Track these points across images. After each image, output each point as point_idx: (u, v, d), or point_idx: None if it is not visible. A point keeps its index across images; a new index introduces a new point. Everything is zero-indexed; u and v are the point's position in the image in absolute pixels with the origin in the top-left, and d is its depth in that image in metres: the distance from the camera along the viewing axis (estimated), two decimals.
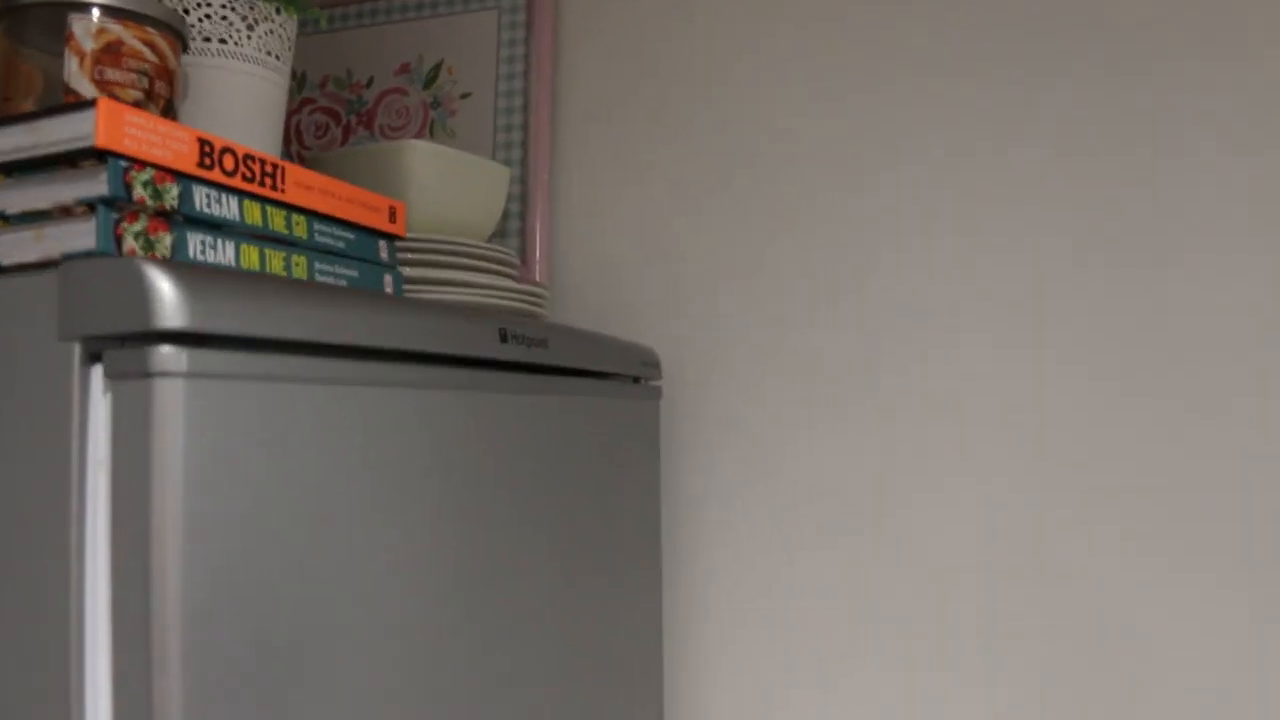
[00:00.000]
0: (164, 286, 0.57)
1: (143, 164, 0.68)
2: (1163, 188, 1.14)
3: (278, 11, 0.96)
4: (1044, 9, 1.18)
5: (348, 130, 1.42)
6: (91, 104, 0.65)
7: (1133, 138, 1.15)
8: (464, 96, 1.37)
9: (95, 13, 0.77)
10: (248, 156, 0.76)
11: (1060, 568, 1.15)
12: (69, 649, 0.57)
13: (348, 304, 0.71)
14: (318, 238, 0.83)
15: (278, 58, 0.97)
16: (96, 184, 0.65)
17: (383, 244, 0.91)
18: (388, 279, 0.91)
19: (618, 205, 1.34)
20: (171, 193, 0.70)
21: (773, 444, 1.26)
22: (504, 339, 0.87)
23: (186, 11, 0.92)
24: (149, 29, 0.80)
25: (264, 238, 0.77)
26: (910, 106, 1.23)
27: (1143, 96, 1.15)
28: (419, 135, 1.39)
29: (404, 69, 1.40)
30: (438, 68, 1.39)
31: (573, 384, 1.00)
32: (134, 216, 0.67)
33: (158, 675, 0.56)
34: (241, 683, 0.61)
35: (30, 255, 0.67)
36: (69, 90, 0.76)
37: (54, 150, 0.66)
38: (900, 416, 1.22)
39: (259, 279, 0.64)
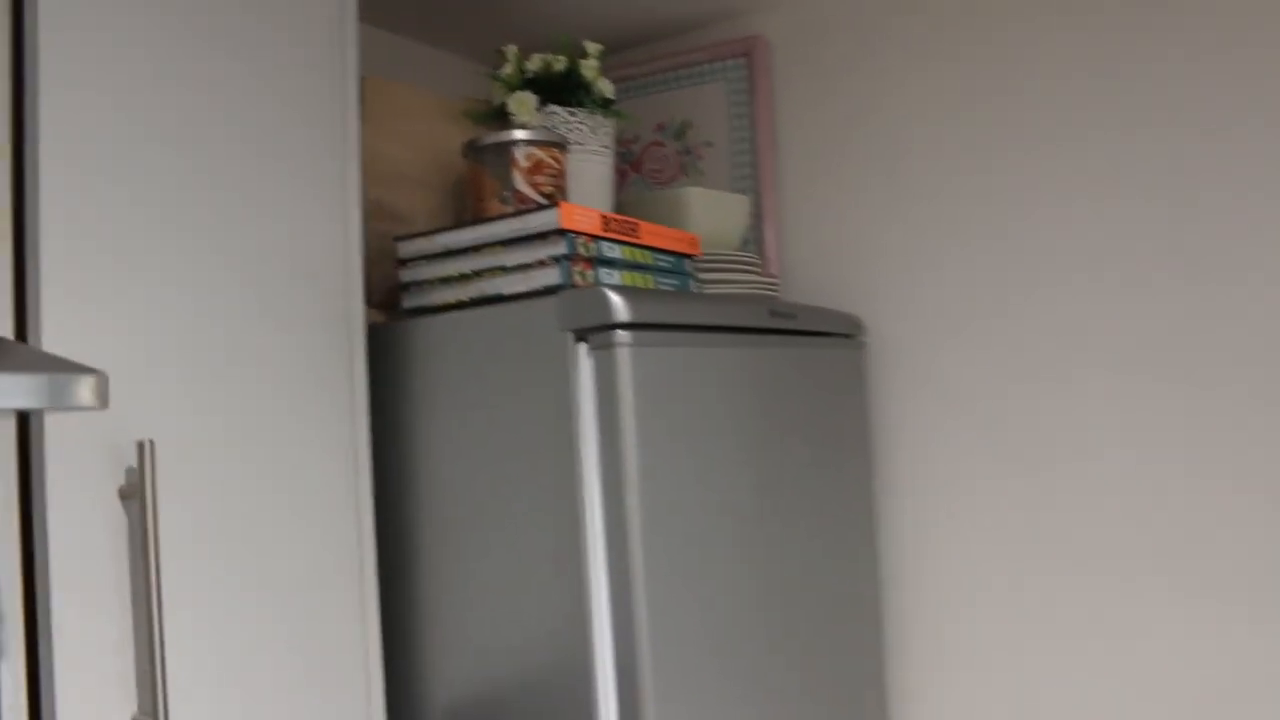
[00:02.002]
0: (616, 299, 1.13)
1: (579, 234, 1.23)
2: None
3: (605, 118, 1.51)
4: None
5: (624, 175, 1.97)
6: (556, 204, 1.21)
7: None
8: (707, 144, 1.90)
9: (525, 146, 1.34)
10: (621, 221, 1.31)
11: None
12: (579, 526, 1.13)
13: (691, 301, 1.25)
14: (657, 262, 1.37)
15: (608, 146, 1.52)
16: (559, 247, 1.21)
17: (688, 262, 1.45)
18: (691, 284, 1.45)
19: (826, 216, 1.85)
20: (591, 248, 1.25)
21: (952, 386, 1.74)
22: (771, 314, 1.41)
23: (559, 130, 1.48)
24: (553, 148, 1.36)
25: (632, 266, 1.32)
26: (1046, 140, 1.68)
27: None
28: (676, 178, 1.93)
29: (660, 127, 1.95)
30: (685, 125, 1.93)
31: (812, 341, 1.52)
32: (575, 262, 1.23)
33: (632, 542, 1.12)
34: (668, 559, 1.16)
35: (521, 287, 1.24)
36: (517, 191, 1.33)
37: (535, 231, 1.22)
38: (1059, 366, 1.68)
39: (650, 292, 1.19)
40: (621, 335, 1.13)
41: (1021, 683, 1.68)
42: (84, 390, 0.78)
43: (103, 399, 0.79)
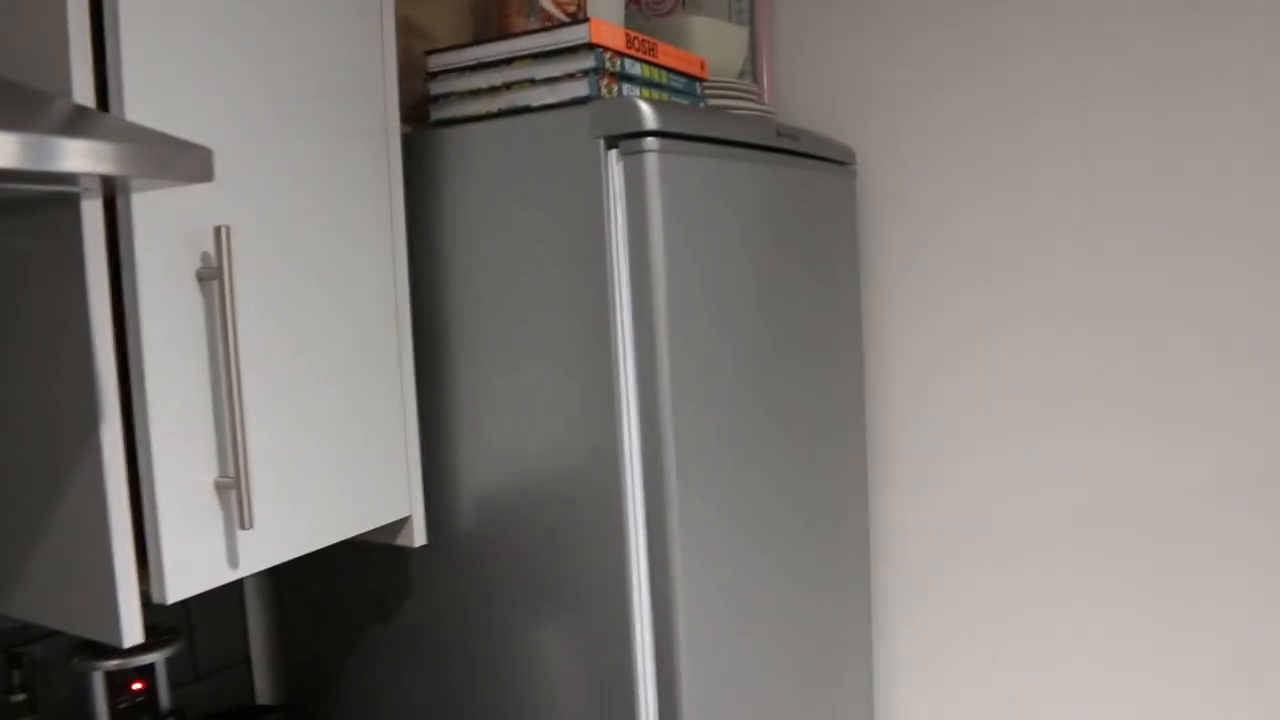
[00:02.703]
0: (647, 108, 1.21)
1: (605, 49, 1.30)
2: None
3: None
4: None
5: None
6: (586, 20, 1.27)
7: None
8: None
9: None
10: (643, 40, 1.37)
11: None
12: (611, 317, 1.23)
13: (710, 116, 1.33)
14: (671, 82, 1.45)
15: None
16: (588, 61, 1.28)
17: (698, 85, 1.52)
18: (701, 105, 1.52)
19: (819, 50, 1.92)
20: (616, 63, 1.32)
21: (925, 211, 1.85)
22: (778, 134, 1.49)
23: None
24: None
25: (650, 84, 1.40)
26: None
27: None
28: (674, 10, 1.98)
29: None
30: None
31: (809, 163, 1.62)
32: (602, 75, 1.30)
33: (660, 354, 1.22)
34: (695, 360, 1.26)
35: (550, 99, 1.31)
36: (543, 10, 1.39)
37: (565, 45, 1.29)
38: (1044, 190, 1.79)
39: (673, 105, 1.27)
40: (650, 142, 1.22)
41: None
42: (197, 163, 0.85)
43: (209, 173, 0.87)
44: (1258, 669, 1.66)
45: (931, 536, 1.90)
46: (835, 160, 1.74)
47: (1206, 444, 1.67)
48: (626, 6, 2.02)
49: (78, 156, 0.77)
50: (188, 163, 0.85)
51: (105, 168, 0.79)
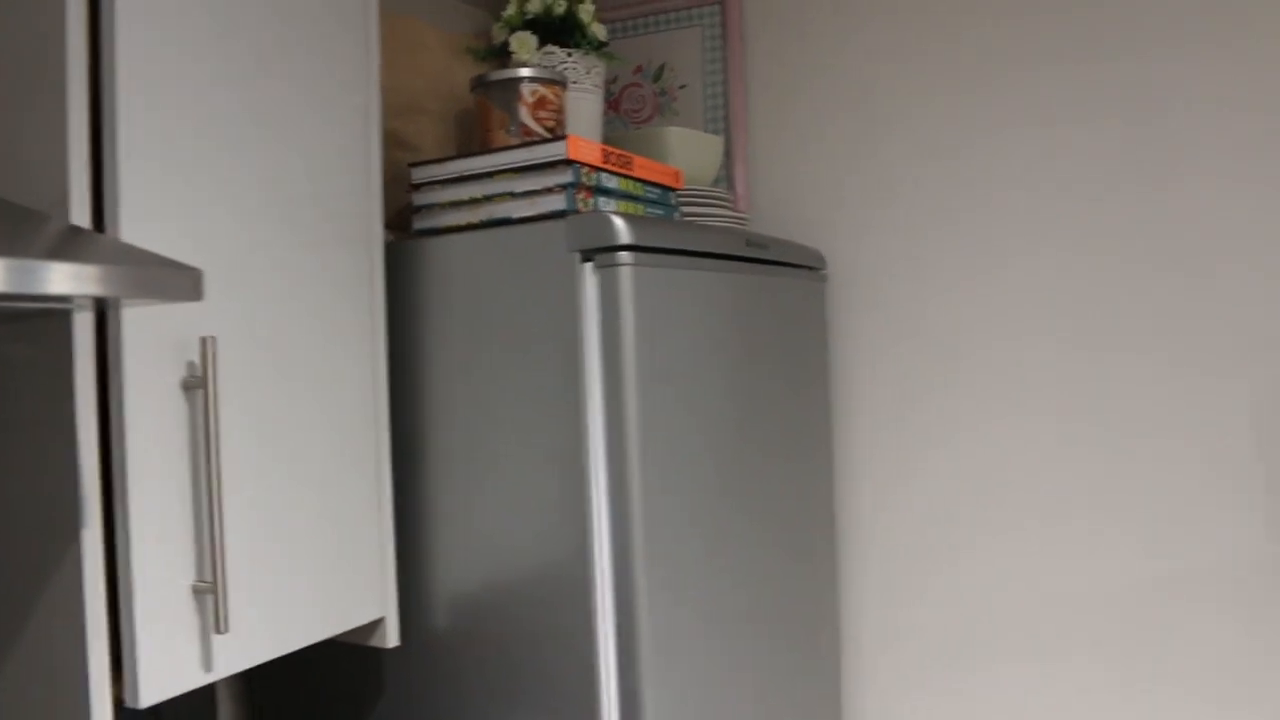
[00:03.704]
0: (621, 223, 1.26)
1: (582, 164, 1.36)
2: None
3: (599, 60, 1.63)
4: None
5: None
6: (564, 137, 1.33)
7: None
8: (682, 87, 2.03)
9: (531, 83, 1.45)
10: (619, 154, 1.43)
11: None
12: (580, 409, 1.27)
13: (681, 228, 1.38)
14: (646, 193, 1.50)
15: (599, 86, 1.64)
16: (565, 176, 1.34)
17: (672, 195, 1.58)
18: (675, 216, 1.58)
19: (791, 156, 1.99)
20: (593, 177, 1.38)
21: (895, 310, 1.90)
22: (748, 244, 1.55)
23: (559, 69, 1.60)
24: (554, 86, 1.48)
25: (626, 196, 1.45)
26: (1005, 96, 1.83)
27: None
28: (652, 118, 2.05)
29: (639, 69, 2.07)
30: (662, 68, 2.05)
31: (780, 270, 1.67)
32: (579, 190, 1.35)
33: (631, 428, 1.26)
34: (649, 429, 1.30)
35: (528, 212, 1.36)
36: (523, 125, 1.45)
37: (543, 160, 1.34)
38: (998, 292, 1.85)
39: (647, 219, 1.32)
40: (624, 256, 1.27)
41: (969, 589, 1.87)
42: (187, 283, 0.89)
43: (199, 293, 0.91)
44: None
45: (902, 638, 1.92)
46: (805, 266, 1.80)
47: (1176, 542, 1.70)
48: (606, 113, 2.09)
49: (66, 280, 0.80)
50: (178, 284, 0.89)
51: (94, 290, 0.82)
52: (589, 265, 1.28)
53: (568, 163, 1.34)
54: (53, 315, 1.02)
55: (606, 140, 1.77)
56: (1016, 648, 1.82)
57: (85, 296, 0.83)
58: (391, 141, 1.55)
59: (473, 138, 1.61)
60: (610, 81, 2.09)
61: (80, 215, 1.00)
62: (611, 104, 2.09)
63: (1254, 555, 1.65)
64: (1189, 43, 1.68)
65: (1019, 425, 1.82)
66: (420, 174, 1.43)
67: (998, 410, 1.83)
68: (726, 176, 1.99)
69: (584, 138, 1.46)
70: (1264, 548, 1.64)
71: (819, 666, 1.78)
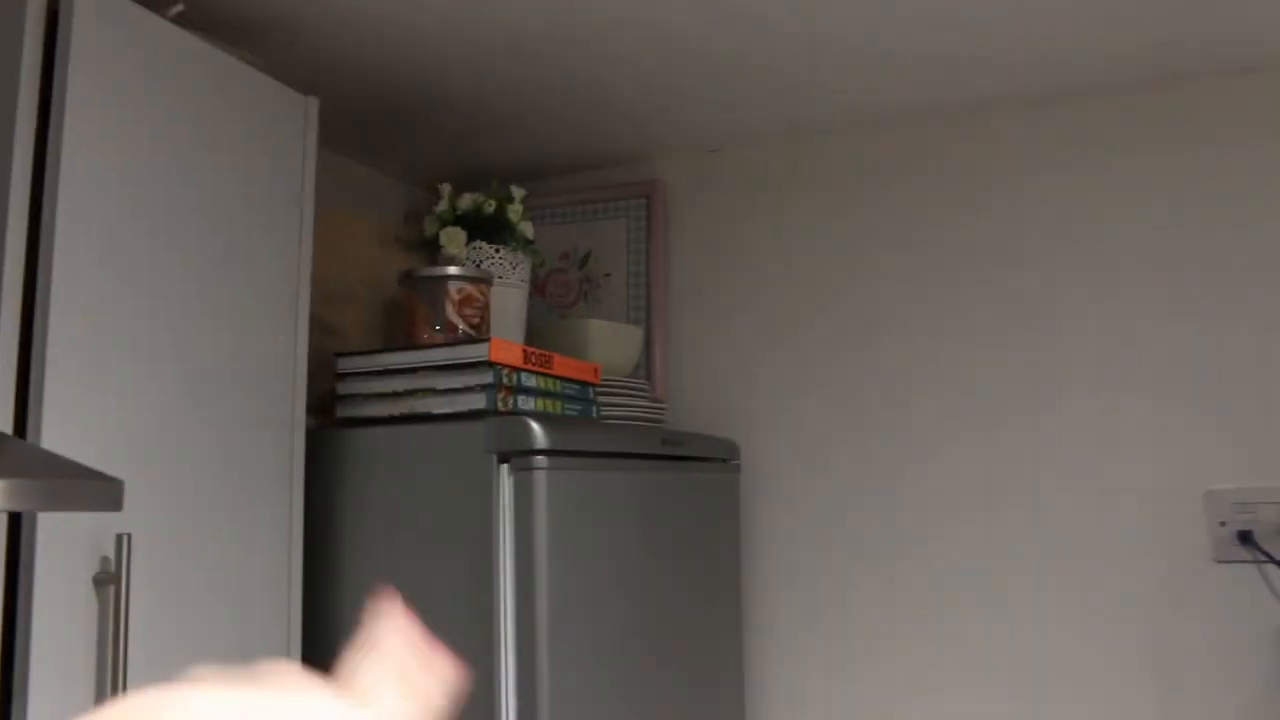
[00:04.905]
0: (538, 429, 1.31)
1: (503, 365, 1.41)
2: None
3: (525, 256, 1.70)
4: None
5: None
6: (487, 339, 1.38)
7: None
8: (606, 275, 2.11)
9: (458, 281, 1.52)
10: (539, 354, 1.49)
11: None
12: (494, 606, 1.30)
13: (596, 430, 1.44)
14: (565, 390, 1.56)
15: (525, 280, 1.71)
16: (486, 376, 1.39)
17: (590, 389, 1.64)
18: (593, 409, 1.63)
19: (709, 347, 2.07)
20: (514, 377, 1.43)
21: (814, 502, 1.96)
22: (663, 442, 1.60)
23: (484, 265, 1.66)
24: (480, 284, 1.54)
25: (545, 394, 1.50)
26: (900, 284, 1.94)
27: None
28: (576, 303, 2.13)
29: (565, 256, 2.15)
30: (588, 255, 2.13)
31: (694, 465, 1.72)
32: (499, 390, 1.40)
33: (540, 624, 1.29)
34: (563, 622, 1.33)
35: (449, 409, 1.41)
36: (449, 321, 1.51)
37: (466, 360, 1.39)
38: (911, 480, 1.92)
39: (564, 420, 1.37)
40: (539, 460, 1.31)
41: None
42: (107, 496, 0.92)
43: (118, 504, 0.93)
44: None
45: None
46: (718, 459, 1.86)
47: None
48: (532, 298, 2.17)
49: None
50: (98, 497, 0.92)
51: (11, 506, 0.84)
52: (505, 467, 1.32)
53: (489, 364, 1.39)
54: None
55: (531, 328, 1.84)
56: None
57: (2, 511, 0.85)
58: (319, 327, 1.60)
59: (399, 328, 1.66)
60: (538, 265, 2.17)
61: (3, 419, 1.02)
62: (538, 288, 2.17)
63: None
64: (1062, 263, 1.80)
65: (937, 627, 1.86)
66: (346, 364, 1.47)
67: (917, 602, 1.88)
68: (646, 363, 2.06)
69: (506, 339, 1.52)
70: None
71: None
